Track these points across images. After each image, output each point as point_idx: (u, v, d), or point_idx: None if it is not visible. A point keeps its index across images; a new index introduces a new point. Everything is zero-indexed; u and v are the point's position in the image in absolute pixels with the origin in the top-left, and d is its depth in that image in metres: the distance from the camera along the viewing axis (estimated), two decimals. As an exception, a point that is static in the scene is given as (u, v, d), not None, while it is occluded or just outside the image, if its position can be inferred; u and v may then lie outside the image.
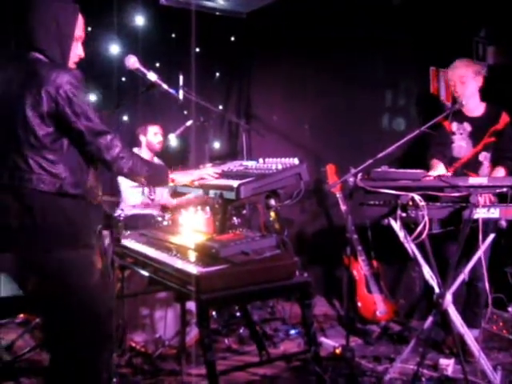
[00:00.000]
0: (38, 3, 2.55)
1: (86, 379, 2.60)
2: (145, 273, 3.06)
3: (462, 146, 4.22)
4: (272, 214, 2.97)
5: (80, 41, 2.65)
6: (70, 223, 2.48)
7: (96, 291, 2.58)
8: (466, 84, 4.15)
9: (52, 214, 2.46)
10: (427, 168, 4.04)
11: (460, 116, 4.23)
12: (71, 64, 2.65)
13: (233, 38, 6.53)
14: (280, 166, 2.91)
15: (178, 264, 2.68)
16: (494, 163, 4.15)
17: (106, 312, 2.63)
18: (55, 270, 2.49)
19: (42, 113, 2.41)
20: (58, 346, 2.63)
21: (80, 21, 2.63)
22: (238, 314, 4.71)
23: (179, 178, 2.99)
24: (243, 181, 2.76)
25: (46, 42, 2.53)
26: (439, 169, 4.04)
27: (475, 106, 4.23)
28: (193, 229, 3.59)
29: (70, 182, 2.47)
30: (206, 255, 2.71)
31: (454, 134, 4.25)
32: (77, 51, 2.65)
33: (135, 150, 5.01)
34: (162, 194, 5.12)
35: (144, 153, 5.04)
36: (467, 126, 4.21)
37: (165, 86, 3.18)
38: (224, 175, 3.09)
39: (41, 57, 2.52)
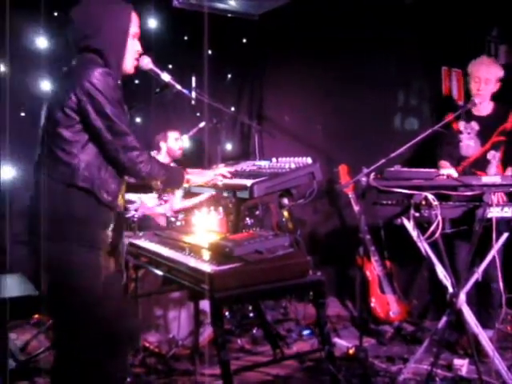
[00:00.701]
0: (92, 4, 2.62)
1: (93, 381, 2.61)
2: (159, 272, 3.07)
3: (469, 145, 4.22)
4: (285, 213, 2.96)
5: (136, 37, 2.71)
6: (70, 217, 2.49)
7: (101, 293, 2.56)
8: (488, 86, 4.14)
9: (59, 205, 2.49)
10: (437, 168, 4.04)
11: (468, 115, 4.23)
12: (131, 61, 2.71)
13: (245, 40, 6.54)
14: (293, 165, 2.92)
15: (192, 263, 2.69)
16: (506, 163, 4.14)
17: (114, 314, 2.61)
18: (58, 265, 2.51)
19: (68, 107, 2.46)
20: (64, 346, 2.65)
21: (134, 18, 2.68)
22: (251, 314, 4.72)
23: (194, 178, 2.99)
24: (256, 180, 2.77)
25: (100, 41, 2.58)
26: (447, 170, 4.01)
27: (484, 106, 4.23)
28: (206, 229, 3.61)
29: (81, 175, 2.49)
30: (220, 254, 2.72)
31: (461, 133, 4.25)
32: (135, 48, 2.71)
33: (152, 153, 4.99)
34: (175, 198, 5.11)
35: (162, 158, 5.01)
36: (475, 125, 4.21)
37: (178, 87, 3.19)
38: (237, 175, 3.10)
39: (94, 56, 2.58)
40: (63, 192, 2.49)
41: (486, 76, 4.13)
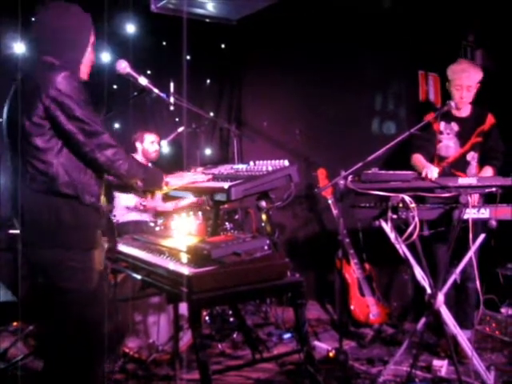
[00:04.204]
0: (54, 12, 2.63)
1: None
2: (137, 276, 3.05)
3: (449, 145, 4.26)
4: (263, 215, 2.96)
5: (94, 45, 2.73)
6: (58, 223, 2.49)
7: (88, 298, 2.57)
8: (470, 92, 4.18)
9: (39, 213, 2.48)
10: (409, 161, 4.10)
11: (448, 116, 4.26)
12: (86, 68, 2.71)
13: (223, 45, 6.58)
14: (270, 168, 2.92)
15: (171, 266, 2.69)
16: (482, 163, 4.20)
17: (100, 320, 2.63)
18: (53, 271, 2.51)
19: (35, 115, 2.44)
20: (53, 351, 2.64)
21: (93, 28, 2.71)
22: (231, 319, 4.71)
23: (173, 181, 3.00)
24: (234, 182, 2.77)
25: (60, 47, 2.59)
26: (431, 167, 3.98)
27: (463, 107, 4.27)
28: (185, 233, 3.60)
29: (62, 181, 2.48)
30: (198, 257, 2.72)
31: (441, 133, 4.28)
32: (92, 56, 2.74)
33: None
34: (156, 200, 5.10)
35: (139, 159, 5.01)
36: (454, 126, 4.25)
37: (156, 91, 3.19)
38: (215, 178, 3.10)
39: (51, 59, 2.56)
40: (46, 201, 2.48)
41: (467, 83, 4.15)
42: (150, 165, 5.19)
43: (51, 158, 2.47)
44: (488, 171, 4.09)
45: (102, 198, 2.68)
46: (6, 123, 2.61)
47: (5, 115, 2.64)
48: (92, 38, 2.70)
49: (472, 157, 4.22)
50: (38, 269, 2.54)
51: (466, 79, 4.16)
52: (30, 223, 2.50)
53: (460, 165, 4.22)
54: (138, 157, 5.11)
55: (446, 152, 4.26)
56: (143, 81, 3.11)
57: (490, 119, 4.21)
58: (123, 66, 2.94)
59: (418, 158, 4.17)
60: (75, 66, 2.62)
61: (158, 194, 4.97)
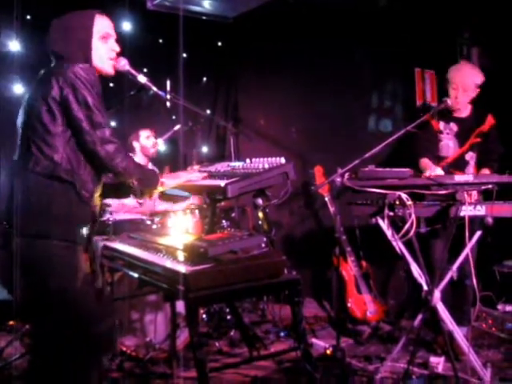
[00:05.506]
0: (61, 19, 2.73)
1: None
2: (134, 274, 3.05)
3: (448, 145, 4.26)
4: (260, 213, 2.96)
5: (109, 38, 2.76)
6: (54, 213, 2.50)
7: (79, 293, 2.57)
8: (466, 92, 4.18)
9: (39, 199, 2.50)
10: (415, 167, 4.07)
11: (447, 116, 4.27)
12: (106, 61, 2.77)
13: (220, 43, 6.57)
14: (267, 166, 2.92)
15: (167, 264, 2.68)
16: (480, 165, 4.20)
17: (91, 315, 2.62)
18: (37, 264, 2.52)
19: (49, 99, 2.51)
20: (42, 350, 2.62)
21: (101, 23, 2.73)
22: (228, 317, 4.71)
23: (168, 181, 3.01)
24: (230, 180, 2.77)
25: (68, 49, 2.66)
26: (435, 169, 3.99)
27: (462, 108, 4.26)
28: (182, 230, 3.60)
29: (64, 168, 2.52)
30: (195, 255, 2.71)
31: (441, 132, 4.28)
32: (107, 48, 2.76)
33: None
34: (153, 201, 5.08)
35: (139, 159, 4.99)
36: (453, 126, 4.26)
37: (154, 88, 3.19)
38: (212, 176, 3.10)
39: (65, 57, 2.65)
40: (45, 185, 2.51)
41: (464, 82, 4.16)
42: (150, 164, 5.18)
43: (59, 144, 2.53)
44: (486, 173, 4.09)
45: (96, 197, 2.71)
46: (25, 108, 2.66)
47: (25, 102, 2.69)
48: (101, 31, 2.72)
49: (471, 157, 4.23)
50: (24, 261, 2.52)
51: (462, 78, 4.17)
52: (26, 209, 2.51)
53: (459, 165, 4.21)
54: (138, 157, 5.09)
55: (446, 152, 4.26)
56: (142, 79, 3.10)
57: (490, 120, 4.18)
58: (122, 64, 2.93)
59: (425, 162, 4.17)
60: (85, 59, 2.66)
61: (155, 195, 4.95)
